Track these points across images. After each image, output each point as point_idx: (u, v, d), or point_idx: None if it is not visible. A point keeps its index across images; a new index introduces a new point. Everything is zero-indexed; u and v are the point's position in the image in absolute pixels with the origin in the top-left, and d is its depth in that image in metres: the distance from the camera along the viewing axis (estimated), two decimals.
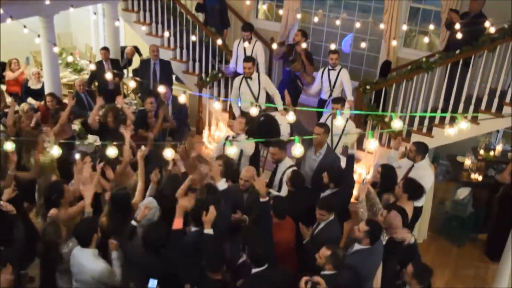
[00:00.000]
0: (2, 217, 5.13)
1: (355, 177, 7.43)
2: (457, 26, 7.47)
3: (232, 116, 8.95)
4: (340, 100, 7.25)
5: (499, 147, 8.54)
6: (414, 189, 5.65)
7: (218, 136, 9.19)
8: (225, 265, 4.44)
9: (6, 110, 7.79)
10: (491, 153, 8.49)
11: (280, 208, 5.24)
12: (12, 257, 4.53)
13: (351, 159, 6.27)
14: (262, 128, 7.06)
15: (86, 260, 4.62)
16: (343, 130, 7.10)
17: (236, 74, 8.98)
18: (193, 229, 4.86)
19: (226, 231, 5.14)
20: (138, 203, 5.42)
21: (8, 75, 10.60)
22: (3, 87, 10.52)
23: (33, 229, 6.11)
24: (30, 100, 9.83)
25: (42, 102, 8.66)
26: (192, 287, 4.38)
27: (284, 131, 7.23)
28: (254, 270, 4.45)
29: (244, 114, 7.84)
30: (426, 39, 8.92)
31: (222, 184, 5.28)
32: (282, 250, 5.13)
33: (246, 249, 4.56)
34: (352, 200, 6.48)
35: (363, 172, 7.98)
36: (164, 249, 4.61)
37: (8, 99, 9.68)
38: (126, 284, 4.08)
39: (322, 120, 7.30)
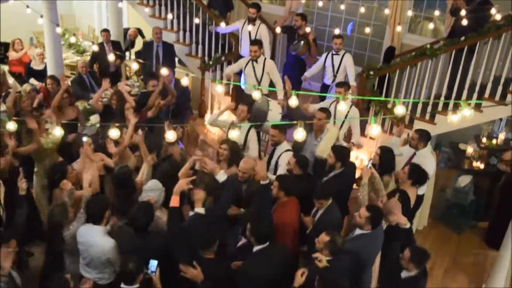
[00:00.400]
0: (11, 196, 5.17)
1: (357, 163, 7.44)
2: (463, 12, 7.43)
3: (234, 99, 8.93)
4: (343, 84, 7.25)
5: (502, 136, 8.51)
6: (418, 175, 5.69)
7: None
8: (217, 245, 4.44)
9: (9, 90, 7.76)
10: (494, 141, 8.47)
11: (288, 185, 5.25)
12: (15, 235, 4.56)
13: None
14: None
15: (96, 237, 4.67)
16: (346, 115, 7.12)
17: (239, 56, 8.96)
18: (191, 213, 4.92)
19: (224, 217, 5.16)
20: (141, 181, 5.45)
21: (12, 55, 10.60)
22: (6, 67, 10.53)
23: (36, 209, 6.12)
24: (32, 80, 9.81)
25: (43, 84, 8.65)
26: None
27: (273, 117, 7.26)
28: (256, 248, 4.50)
29: (245, 100, 7.88)
30: (431, 25, 8.83)
31: (221, 176, 5.25)
32: (286, 229, 5.15)
33: (249, 228, 4.56)
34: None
35: (365, 158, 7.96)
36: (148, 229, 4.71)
37: (11, 80, 9.68)
38: (125, 266, 4.09)
39: (325, 105, 7.27)
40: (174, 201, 4.71)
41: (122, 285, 4.10)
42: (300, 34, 8.89)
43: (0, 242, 4.30)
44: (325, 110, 6.62)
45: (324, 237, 4.53)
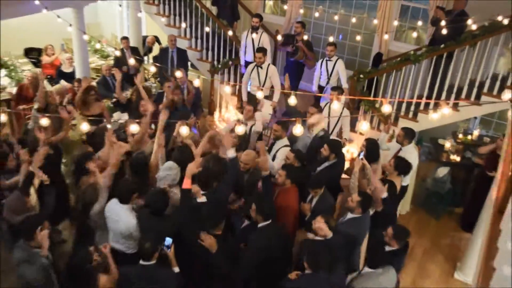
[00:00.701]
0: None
1: (347, 155, 7.47)
2: (443, 22, 7.43)
3: (240, 99, 8.96)
4: (337, 89, 7.31)
5: (476, 132, 8.52)
6: (403, 167, 5.74)
7: (228, 118, 9.19)
8: (224, 222, 4.51)
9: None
10: (469, 137, 8.48)
11: (294, 174, 5.32)
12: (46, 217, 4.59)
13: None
14: None
15: (124, 214, 4.71)
16: (341, 114, 7.16)
17: (245, 62, 8.97)
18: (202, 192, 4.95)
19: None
20: (153, 164, 5.46)
21: (44, 59, 10.68)
22: (40, 70, 10.57)
23: (67, 193, 6.16)
24: (62, 82, 9.84)
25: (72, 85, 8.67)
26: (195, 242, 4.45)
27: (264, 115, 7.40)
28: (260, 224, 4.55)
29: (250, 100, 7.94)
30: (414, 34, 8.84)
31: (231, 153, 5.27)
32: (288, 212, 5.26)
33: (254, 208, 4.61)
34: (344, 176, 6.50)
35: (355, 151, 7.98)
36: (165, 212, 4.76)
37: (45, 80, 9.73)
38: (142, 245, 4.11)
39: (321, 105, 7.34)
40: (186, 183, 4.72)
41: (141, 261, 4.13)
42: (297, 40, 8.89)
43: (37, 224, 4.31)
44: (317, 106, 6.73)
45: (319, 220, 4.58)
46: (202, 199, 4.79)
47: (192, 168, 4.79)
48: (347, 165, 6.79)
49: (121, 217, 4.72)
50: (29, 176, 5.09)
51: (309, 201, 5.43)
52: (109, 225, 4.86)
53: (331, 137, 6.88)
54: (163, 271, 4.16)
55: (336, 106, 6.81)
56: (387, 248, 4.71)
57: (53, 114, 6.21)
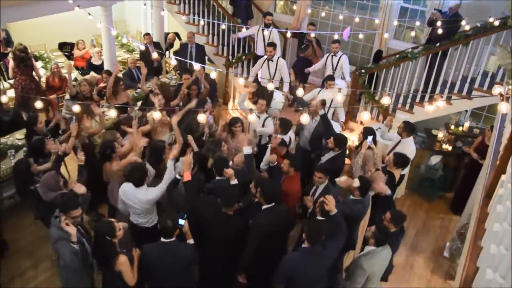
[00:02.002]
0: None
1: (349, 142, 7.43)
2: (438, 23, 7.35)
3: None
4: (331, 78, 7.41)
5: (467, 124, 8.43)
6: (402, 162, 5.64)
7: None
8: (236, 204, 4.54)
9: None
10: (460, 128, 8.39)
11: (296, 163, 5.29)
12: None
13: (325, 118, 6.30)
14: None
15: (141, 194, 4.72)
16: (331, 101, 7.21)
17: (256, 56, 8.92)
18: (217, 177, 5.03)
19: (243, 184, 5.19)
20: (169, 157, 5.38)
21: (76, 52, 10.74)
22: (72, 63, 10.62)
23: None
24: (92, 73, 9.85)
25: (101, 76, 8.69)
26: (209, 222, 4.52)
27: (277, 105, 7.29)
28: (264, 206, 4.56)
29: (260, 92, 7.95)
30: (412, 33, 8.74)
31: (247, 149, 5.33)
32: (293, 196, 5.28)
33: (259, 191, 4.62)
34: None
35: (355, 139, 7.94)
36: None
37: (75, 72, 9.77)
38: (165, 223, 4.10)
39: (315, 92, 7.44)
40: (187, 177, 4.72)
41: (162, 239, 4.12)
42: (308, 39, 8.83)
43: (71, 203, 4.28)
44: (323, 102, 6.67)
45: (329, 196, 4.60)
46: (234, 181, 4.89)
47: (188, 163, 4.78)
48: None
49: (139, 198, 4.75)
50: (60, 157, 5.14)
51: (312, 194, 5.33)
52: (128, 205, 4.88)
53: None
54: (181, 245, 4.20)
55: (328, 93, 6.97)
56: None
57: (83, 102, 6.27)
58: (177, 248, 4.13)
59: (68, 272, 4.26)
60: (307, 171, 5.96)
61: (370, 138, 5.58)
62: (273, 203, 4.57)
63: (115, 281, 4.04)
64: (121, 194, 4.86)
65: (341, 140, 5.86)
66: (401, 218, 4.75)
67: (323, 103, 6.56)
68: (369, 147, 5.61)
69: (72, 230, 4.08)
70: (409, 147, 6.14)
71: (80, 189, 4.66)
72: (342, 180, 5.10)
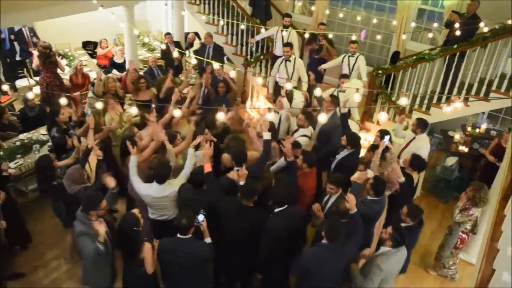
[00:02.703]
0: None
1: (366, 143, 7.37)
2: (456, 25, 7.25)
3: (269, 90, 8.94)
4: (344, 76, 7.42)
5: (483, 126, 8.31)
6: (418, 165, 5.52)
7: (258, 106, 9.16)
8: (255, 196, 4.50)
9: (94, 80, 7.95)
10: (477, 130, 8.27)
11: (310, 159, 5.25)
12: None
13: (345, 117, 6.31)
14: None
15: (167, 191, 4.76)
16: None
17: (275, 57, 8.91)
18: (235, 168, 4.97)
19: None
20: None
21: (99, 51, 10.85)
22: (95, 61, 10.76)
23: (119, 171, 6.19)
24: (114, 71, 9.98)
25: (124, 74, 8.78)
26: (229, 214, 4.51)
27: (297, 104, 7.22)
28: (276, 210, 4.49)
29: (277, 92, 7.92)
30: (430, 35, 8.62)
31: (266, 135, 5.29)
32: (308, 192, 5.26)
33: (272, 195, 4.59)
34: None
35: (372, 139, 7.88)
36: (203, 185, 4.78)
37: (97, 69, 9.91)
38: (179, 221, 4.12)
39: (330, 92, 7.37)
40: (207, 168, 4.72)
41: (178, 234, 4.12)
42: (320, 39, 8.78)
43: (94, 198, 4.33)
44: (332, 97, 6.63)
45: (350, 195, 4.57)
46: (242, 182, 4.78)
47: (207, 154, 4.79)
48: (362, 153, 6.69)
49: (160, 196, 4.79)
50: (87, 152, 5.21)
51: (324, 203, 5.17)
52: (149, 204, 4.92)
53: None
54: (197, 243, 4.17)
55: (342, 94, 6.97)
56: (403, 225, 4.68)
57: (107, 99, 6.34)
58: (191, 245, 4.12)
59: (89, 264, 4.33)
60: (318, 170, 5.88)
61: (387, 137, 5.51)
62: (285, 206, 4.49)
63: (136, 270, 4.09)
64: (137, 191, 4.88)
65: (354, 139, 5.81)
66: (417, 212, 4.71)
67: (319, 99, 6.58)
68: (387, 147, 5.53)
69: (102, 230, 4.13)
70: (423, 144, 6.07)
71: (111, 183, 4.67)
72: (356, 176, 5.07)
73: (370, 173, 4.82)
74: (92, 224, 4.19)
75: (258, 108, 8.95)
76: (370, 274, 4.23)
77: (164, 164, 4.87)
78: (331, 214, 4.75)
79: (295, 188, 5.11)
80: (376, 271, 4.19)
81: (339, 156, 5.95)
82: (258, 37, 9.20)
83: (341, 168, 5.70)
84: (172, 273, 4.26)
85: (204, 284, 4.53)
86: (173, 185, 4.80)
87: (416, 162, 5.50)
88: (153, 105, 6.27)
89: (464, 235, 5.76)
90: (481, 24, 7.13)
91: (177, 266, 4.17)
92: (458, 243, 5.82)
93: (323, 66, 8.65)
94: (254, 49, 9.66)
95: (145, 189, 4.80)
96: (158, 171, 4.76)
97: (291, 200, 4.67)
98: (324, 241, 4.08)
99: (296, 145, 5.51)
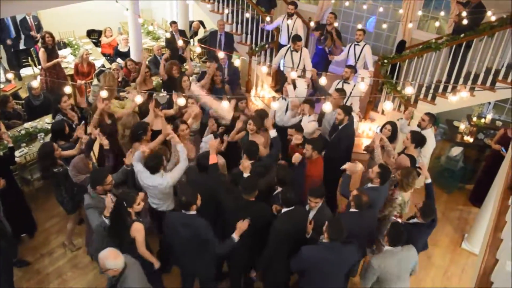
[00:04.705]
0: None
1: (370, 133, 7.36)
2: (463, 13, 7.18)
3: (274, 79, 8.91)
4: (350, 67, 7.29)
5: (489, 116, 8.25)
6: (418, 139, 5.59)
7: (263, 95, 9.15)
8: (256, 191, 4.50)
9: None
10: (482, 120, 8.22)
11: (318, 147, 5.31)
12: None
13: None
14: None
15: (155, 181, 4.81)
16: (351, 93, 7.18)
17: (280, 45, 8.86)
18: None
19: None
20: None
21: (103, 40, 10.84)
22: (99, 49, 10.76)
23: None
24: (119, 60, 9.96)
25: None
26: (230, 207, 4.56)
27: (300, 92, 7.22)
28: (284, 210, 4.49)
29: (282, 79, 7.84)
30: (436, 24, 8.54)
31: (273, 133, 5.38)
32: (315, 179, 5.29)
33: (280, 195, 4.59)
34: (361, 150, 6.43)
35: (376, 129, 7.87)
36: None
37: (102, 58, 9.91)
38: (180, 198, 4.22)
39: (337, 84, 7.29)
40: (213, 159, 4.80)
41: (183, 211, 4.25)
42: (328, 30, 8.72)
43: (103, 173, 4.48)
44: (340, 90, 6.60)
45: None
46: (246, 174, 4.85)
47: (214, 145, 4.89)
48: (367, 142, 6.69)
49: (155, 184, 4.83)
50: (90, 142, 5.24)
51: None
52: (145, 189, 4.96)
53: None
54: (198, 220, 4.24)
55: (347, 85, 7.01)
56: (412, 220, 4.65)
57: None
58: (191, 220, 4.21)
59: (94, 235, 4.48)
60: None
61: (378, 128, 5.57)
62: (293, 207, 4.48)
63: (128, 250, 4.11)
64: (137, 175, 4.95)
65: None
66: (430, 211, 4.55)
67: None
68: (381, 139, 5.56)
69: (110, 204, 4.22)
70: (429, 138, 6.05)
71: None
72: (346, 166, 5.13)
73: (359, 166, 4.84)
74: (100, 198, 4.36)
75: (262, 97, 8.94)
76: (365, 272, 4.23)
77: (155, 155, 4.92)
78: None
79: (302, 189, 5.13)
80: (368, 269, 4.17)
81: (335, 134, 6.08)
82: (268, 27, 9.13)
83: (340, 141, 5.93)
84: (176, 248, 4.40)
85: (209, 268, 4.60)
86: (164, 178, 4.83)
87: (417, 136, 5.58)
88: (155, 94, 6.30)
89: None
90: (489, 13, 7.06)
91: (177, 239, 4.30)
92: None
93: (336, 58, 8.59)
94: (259, 34, 9.56)
95: (140, 171, 4.88)
96: (147, 160, 4.81)
97: (298, 201, 4.67)
98: (325, 239, 4.07)
99: (298, 129, 5.65)
